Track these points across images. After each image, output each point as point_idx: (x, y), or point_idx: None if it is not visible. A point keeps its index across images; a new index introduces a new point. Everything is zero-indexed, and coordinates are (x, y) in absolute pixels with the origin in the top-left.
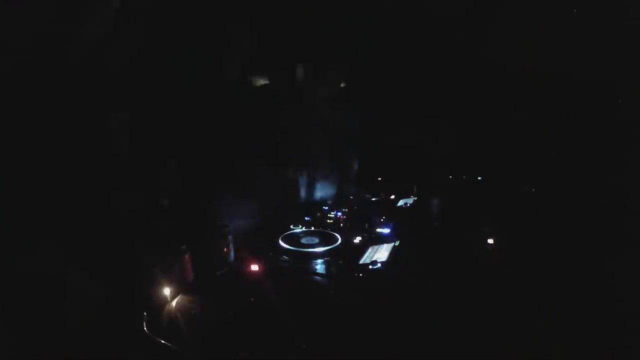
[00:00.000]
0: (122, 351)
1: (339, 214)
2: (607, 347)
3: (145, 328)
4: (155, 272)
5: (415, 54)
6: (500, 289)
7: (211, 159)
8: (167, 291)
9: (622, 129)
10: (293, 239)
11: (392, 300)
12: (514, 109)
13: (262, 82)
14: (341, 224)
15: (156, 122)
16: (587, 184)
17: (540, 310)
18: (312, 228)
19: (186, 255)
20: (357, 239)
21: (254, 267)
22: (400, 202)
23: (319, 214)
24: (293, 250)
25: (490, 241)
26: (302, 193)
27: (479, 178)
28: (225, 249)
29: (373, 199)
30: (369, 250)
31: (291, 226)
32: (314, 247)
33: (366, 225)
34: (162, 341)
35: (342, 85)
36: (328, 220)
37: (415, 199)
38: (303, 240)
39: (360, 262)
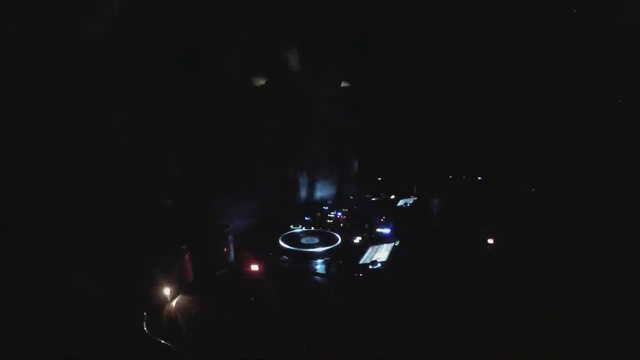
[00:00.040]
0: (122, 351)
1: (339, 214)
2: (607, 347)
3: (145, 328)
4: (155, 272)
5: (415, 54)
6: (500, 289)
7: (211, 159)
8: (167, 291)
9: (622, 129)
10: (293, 239)
11: (392, 300)
12: (514, 109)
13: (262, 82)
14: (341, 224)
15: (156, 122)
16: (587, 184)
17: (540, 310)
18: (312, 228)
19: (186, 255)
20: (357, 239)
21: (254, 267)
22: (400, 202)
23: (319, 214)
24: (293, 250)
25: (490, 241)
26: (302, 193)
27: (479, 178)
28: (225, 249)
29: (373, 199)
30: (369, 250)
31: (291, 226)
32: (314, 247)
33: (366, 225)
34: (162, 341)
35: (344, 85)
36: (328, 220)
37: (415, 199)
38: (303, 240)
39: (360, 262)
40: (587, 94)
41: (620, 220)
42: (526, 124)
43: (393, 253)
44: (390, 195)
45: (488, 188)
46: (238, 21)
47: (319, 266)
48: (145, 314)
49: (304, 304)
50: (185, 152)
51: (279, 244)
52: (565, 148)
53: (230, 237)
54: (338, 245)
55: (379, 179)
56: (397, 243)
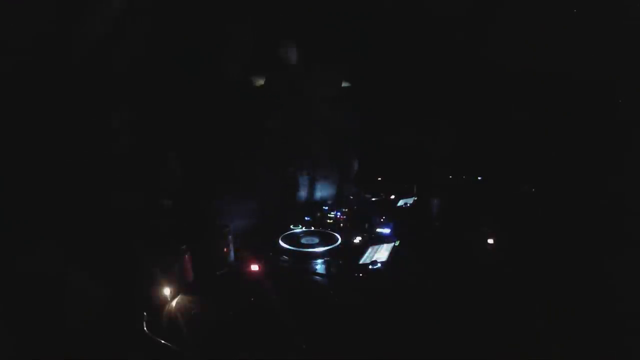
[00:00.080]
0: (122, 351)
1: (339, 214)
2: (607, 347)
3: (145, 328)
4: (155, 272)
5: (415, 54)
6: (500, 289)
7: (211, 159)
8: (167, 291)
9: (622, 129)
10: (293, 239)
11: (392, 300)
12: (514, 109)
13: (262, 82)
14: (341, 224)
15: (156, 122)
16: (587, 184)
17: (540, 310)
18: (312, 228)
19: (186, 255)
20: (357, 239)
21: (254, 267)
22: (400, 202)
23: (319, 214)
24: (293, 250)
25: (490, 241)
26: (302, 193)
27: (479, 178)
28: (225, 249)
29: (373, 199)
30: (369, 250)
31: (291, 226)
32: (314, 247)
33: (366, 225)
34: (162, 341)
35: (344, 85)
36: (328, 220)
37: (415, 199)
38: (303, 240)
39: (360, 262)
40: (587, 94)
41: (620, 220)
42: (526, 124)
43: (393, 253)
44: (390, 195)
45: (488, 188)
46: (238, 21)
47: (319, 266)
48: (145, 314)
49: (304, 304)
50: (185, 152)
51: (279, 244)
52: (565, 148)
53: (230, 237)
54: (338, 245)
55: (379, 179)
56: (397, 243)
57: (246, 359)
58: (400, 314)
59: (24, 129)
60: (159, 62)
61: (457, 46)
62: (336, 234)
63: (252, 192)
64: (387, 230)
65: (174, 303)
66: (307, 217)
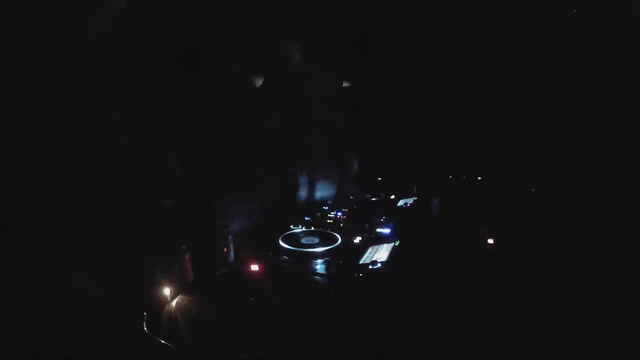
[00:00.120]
0: (122, 351)
1: (339, 214)
2: (607, 347)
3: (145, 328)
4: (155, 272)
5: (415, 54)
6: (500, 289)
7: (211, 159)
8: (167, 291)
9: (622, 129)
10: (293, 239)
11: (392, 300)
12: (514, 109)
13: (262, 82)
14: (341, 224)
15: (156, 122)
16: (587, 184)
17: (540, 310)
18: (312, 228)
19: (186, 255)
20: (357, 239)
21: (254, 267)
22: (400, 202)
23: (319, 214)
24: (293, 250)
25: (490, 241)
26: (302, 193)
27: (479, 178)
28: (225, 249)
29: (373, 199)
30: (369, 250)
31: (291, 226)
32: (314, 247)
33: (366, 225)
34: (162, 341)
35: (344, 85)
36: (328, 220)
37: (415, 199)
38: (303, 240)
39: (360, 262)
40: (587, 94)
41: (620, 220)
42: (526, 124)
43: (393, 253)
44: (390, 195)
45: (488, 188)
46: (238, 21)
47: (319, 266)
48: (145, 314)
49: (304, 304)
50: (185, 152)
51: (279, 244)
52: (565, 148)
53: (230, 237)
54: (338, 245)
55: (379, 179)
56: (397, 243)
57: (246, 359)
58: (400, 314)
59: (24, 129)
60: (159, 62)
61: (457, 46)
62: (336, 234)
63: (252, 192)
64: (387, 230)
65: (174, 303)
66: (307, 217)
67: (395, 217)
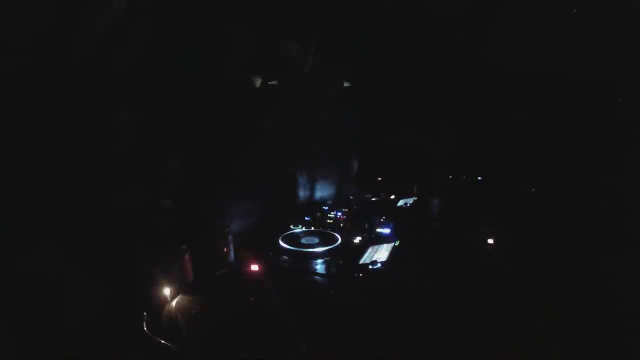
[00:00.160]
0: (122, 351)
1: (339, 214)
2: (607, 347)
3: (145, 328)
4: (155, 272)
5: (415, 54)
6: (500, 289)
7: (211, 159)
8: (167, 291)
9: (622, 129)
10: (293, 239)
11: (392, 300)
12: (514, 109)
13: (262, 82)
14: (341, 224)
15: (156, 122)
16: (587, 184)
17: (540, 310)
18: (312, 228)
19: (186, 255)
20: (357, 239)
21: (254, 267)
22: (400, 202)
23: (319, 214)
24: (293, 250)
25: (490, 241)
26: (302, 193)
27: (479, 178)
28: (225, 249)
29: (373, 199)
30: (369, 250)
31: (291, 226)
32: (314, 247)
33: (366, 225)
34: (162, 341)
35: (344, 85)
36: (328, 220)
37: (415, 199)
38: (303, 240)
39: (360, 262)
40: (587, 94)
41: (620, 220)
42: (526, 124)
43: (393, 253)
44: (390, 195)
45: (488, 188)
46: (238, 21)
47: (319, 266)
48: (145, 314)
49: (304, 304)
50: (185, 152)
51: (279, 244)
52: (565, 148)
53: (230, 237)
54: (338, 245)
55: (379, 179)
56: (397, 243)
57: (246, 359)
58: (400, 314)
59: (24, 129)
60: (159, 62)
61: (457, 46)
62: (336, 234)
63: (252, 192)
64: (387, 230)
65: (174, 303)
66: (307, 217)
67: (395, 217)
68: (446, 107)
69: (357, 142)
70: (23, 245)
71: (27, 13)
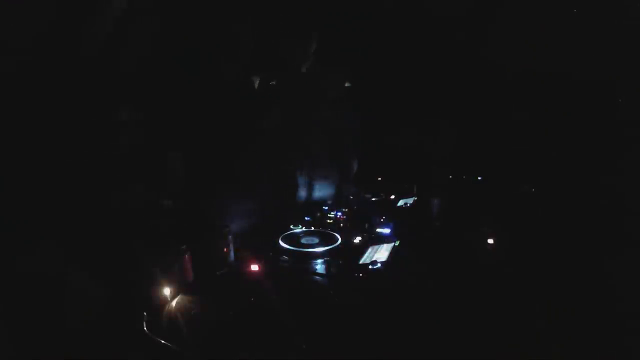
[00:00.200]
0: (122, 351)
1: (339, 214)
2: (607, 347)
3: (145, 328)
4: (155, 272)
5: (416, 54)
6: (500, 289)
7: (211, 159)
8: (167, 291)
9: (622, 129)
10: (293, 239)
11: (392, 300)
12: (514, 109)
13: (262, 82)
14: (341, 224)
15: (156, 122)
16: (588, 184)
17: (540, 310)
18: (312, 228)
19: (186, 255)
20: (357, 239)
21: (254, 267)
22: (400, 202)
23: (319, 214)
24: (293, 250)
25: (490, 241)
26: (302, 193)
27: (479, 178)
28: (225, 249)
29: (373, 199)
30: (369, 250)
31: (291, 226)
32: (314, 247)
33: (366, 225)
34: (162, 341)
35: (346, 85)
36: (328, 220)
37: (415, 199)
38: (303, 240)
39: (360, 262)
40: (587, 94)
41: (620, 220)
42: (526, 124)
43: (393, 253)
44: (390, 195)
45: (488, 188)
46: (238, 21)
47: (319, 266)
48: (145, 314)
49: (304, 304)
50: (185, 152)
51: (279, 244)
52: (565, 148)
53: (230, 237)
54: (338, 245)
55: (379, 179)
56: (397, 243)
57: (246, 359)
58: (400, 314)
59: (23, 130)
60: (159, 62)
61: (457, 46)
62: (336, 234)
63: (252, 192)
64: (387, 230)
65: (174, 303)
66: (307, 217)
67: (395, 217)
68: (446, 107)
69: (357, 142)
70: (23, 245)
71: (27, 13)
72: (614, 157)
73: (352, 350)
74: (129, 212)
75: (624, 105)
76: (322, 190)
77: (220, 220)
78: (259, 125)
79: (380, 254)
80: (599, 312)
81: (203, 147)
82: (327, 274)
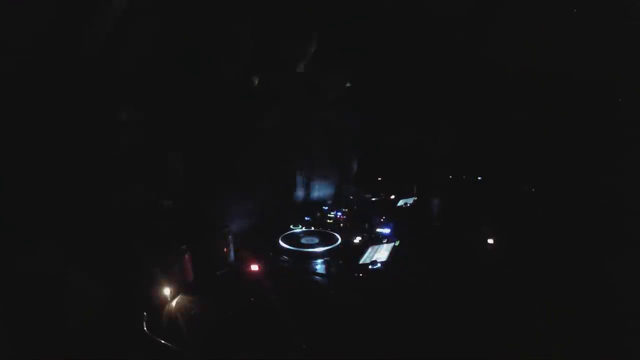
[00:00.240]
0: (122, 351)
1: (339, 214)
2: (607, 347)
3: (145, 328)
4: (155, 272)
5: (416, 54)
6: (500, 289)
7: (211, 159)
8: (167, 291)
9: (622, 129)
10: (293, 239)
11: (392, 300)
12: (514, 109)
13: (262, 82)
14: (341, 224)
15: (156, 122)
16: (587, 184)
17: (540, 310)
18: (312, 228)
19: (186, 255)
20: (357, 239)
21: (254, 267)
22: (400, 202)
23: (319, 214)
24: (293, 250)
25: (490, 241)
26: (302, 193)
27: (479, 178)
28: (225, 249)
29: (373, 199)
30: (369, 250)
31: (291, 226)
32: (314, 247)
33: (366, 225)
34: (162, 341)
35: (347, 85)
36: (328, 220)
37: (415, 199)
38: (303, 240)
39: (360, 262)
40: (587, 94)
41: (620, 220)
42: (526, 124)
43: (393, 253)
44: (390, 195)
45: (488, 188)
46: (238, 21)
47: (319, 266)
48: (145, 314)
49: (304, 304)
50: (185, 151)
51: (279, 244)
52: (565, 148)
53: (230, 237)
54: (338, 245)
55: (379, 179)
56: (397, 243)
57: (246, 359)
58: (400, 314)
59: (24, 129)
60: (159, 62)
61: (457, 46)
62: (336, 234)
63: (252, 192)
64: (387, 230)
65: (174, 303)
66: (307, 217)
67: (395, 217)
68: (446, 107)
69: (357, 142)
70: (23, 245)
71: (27, 13)
72: (614, 157)
73: (352, 350)
74: (129, 212)
75: (624, 105)
76: (322, 190)
77: (220, 220)
78: (259, 125)
79: (380, 254)
80: (599, 312)
81: (203, 147)
82: (327, 274)
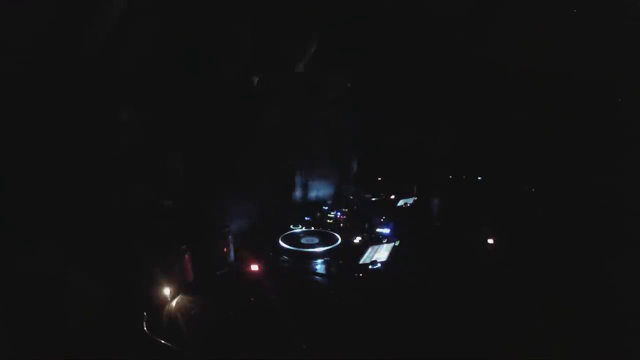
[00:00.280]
0: (122, 351)
1: (339, 214)
2: (607, 347)
3: (145, 328)
4: (155, 272)
5: (416, 54)
6: (500, 289)
7: (211, 159)
8: (167, 291)
9: (622, 129)
10: (293, 239)
11: (392, 300)
12: (514, 109)
13: (261, 82)
14: (341, 224)
15: (156, 122)
16: (587, 184)
17: (540, 310)
18: (312, 228)
19: (186, 255)
20: (357, 239)
21: (254, 267)
22: (400, 202)
23: (319, 214)
24: (293, 250)
25: (490, 241)
26: (302, 193)
27: (479, 178)
28: (225, 249)
29: (373, 199)
30: (369, 250)
31: (291, 226)
32: (314, 247)
33: (366, 225)
34: (162, 341)
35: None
36: (328, 220)
37: (415, 199)
38: (303, 240)
39: (360, 262)
40: (587, 94)
41: (620, 220)
42: (526, 124)
43: (393, 253)
44: (390, 195)
45: (488, 188)
46: (238, 21)
47: (319, 266)
48: (145, 314)
49: (304, 304)
50: (185, 152)
51: (279, 244)
52: (566, 148)
53: (230, 237)
54: (338, 245)
55: (379, 179)
56: (397, 243)
57: (246, 359)
58: (400, 314)
59: (24, 129)
60: (159, 62)
61: (457, 46)
62: (336, 234)
63: (252, 192)
64: (387, 230)
65: (174, 303)
66: (307, 217)
67: (395, 217)
68: (446, 107)
69: (357, 142)
70: (23, 245)
71: (27, 13)
72: (614, 157)
73: (352, 350)
74: (129, 212)
75: (624, 105)
76: (321, 190)
77: (220, 220)
78: (259, 125)
79: (380, 254)
80: (599, 312)
81: (203, 147)
82: (327, 274)
